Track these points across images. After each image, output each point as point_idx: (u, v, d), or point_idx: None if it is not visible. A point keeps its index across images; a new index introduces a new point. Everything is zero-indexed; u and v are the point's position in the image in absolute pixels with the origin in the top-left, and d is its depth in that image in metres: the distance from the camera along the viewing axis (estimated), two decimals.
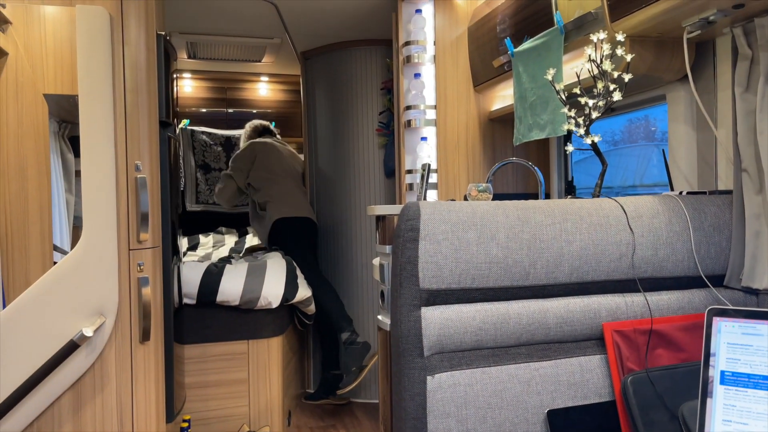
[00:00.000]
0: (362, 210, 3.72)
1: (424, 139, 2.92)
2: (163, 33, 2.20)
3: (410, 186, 2.94)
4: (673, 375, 1.46)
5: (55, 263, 2.19)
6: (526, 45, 2.32)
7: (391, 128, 3.62)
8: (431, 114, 2.93)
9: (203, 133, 4.52)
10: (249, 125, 4.20)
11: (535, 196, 2.89)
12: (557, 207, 1.58)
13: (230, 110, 4.85)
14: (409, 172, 2.95)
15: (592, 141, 1.85)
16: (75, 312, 1.87)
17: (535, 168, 2.31)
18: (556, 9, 2.12)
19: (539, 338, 1.55)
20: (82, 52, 1.89)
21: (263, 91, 4.99)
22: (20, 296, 1.86)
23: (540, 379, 1.50)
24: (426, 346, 1.45)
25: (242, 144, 4.13)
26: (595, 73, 1.81)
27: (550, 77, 1.95)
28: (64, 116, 2.26)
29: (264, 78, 4.96)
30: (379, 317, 2.03)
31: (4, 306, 2.14)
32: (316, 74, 4.01)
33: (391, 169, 3.59)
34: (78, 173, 2.39)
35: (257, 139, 4.05)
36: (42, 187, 2.19)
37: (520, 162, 2.33)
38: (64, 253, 2.27)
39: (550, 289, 1.56)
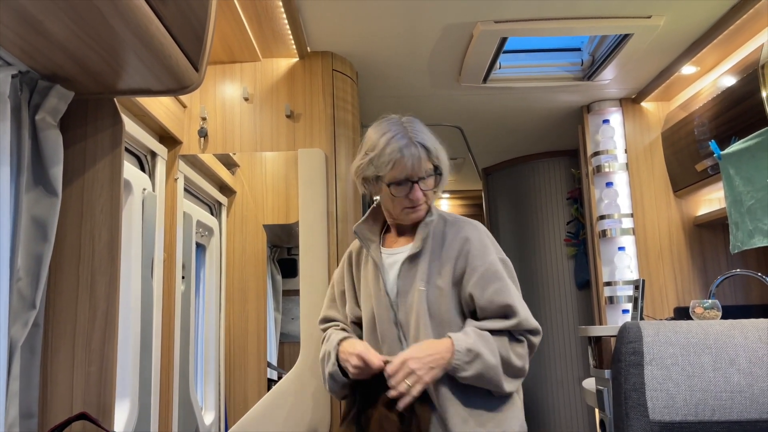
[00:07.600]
0: (554, 324, 3.56)
1: (621, 248, 2.78)
2: None
3: (610, 299, 2.78)
4: None
5: (269, 380, 2.35)
6: (736, 147, 2.16)
7: (580, 238, 3.51)
8: (627, 222, 2.80)
9: None
10: None
11: (763, 309, 2.56)
12: None
13: None
14: (608, 284, 2.79)
15: None
16: (292, 429, 1.97)
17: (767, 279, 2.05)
18: None
19: None
20: (303, 187, 2.13)
21: (444, 206, 5.17)
22: (246, 415, 2.00)
23: None
24: None
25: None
26: None
27: None
28: (276, 242, 2.53)
29: (445, 195, 5.15)
30: None
31: (227, 426, 2.32)
32: (497, 188, 4.07)
33: (583, 280, 3.44)
34: (285, 292, 2.62)
35: None
36: (260, 308, 2.42)
37: (748, 274, 2.09)
38: (275, 369, 2.43)
39: None
